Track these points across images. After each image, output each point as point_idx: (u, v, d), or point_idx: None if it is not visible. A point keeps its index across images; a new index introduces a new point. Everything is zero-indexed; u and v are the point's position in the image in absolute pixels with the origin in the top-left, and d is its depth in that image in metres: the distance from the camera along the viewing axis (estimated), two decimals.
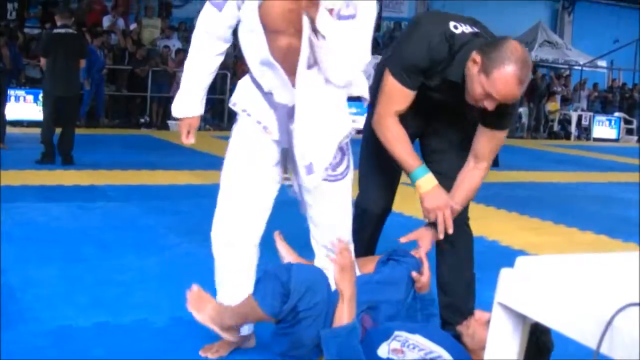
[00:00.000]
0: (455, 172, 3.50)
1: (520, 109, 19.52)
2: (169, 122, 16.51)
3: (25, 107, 14.27)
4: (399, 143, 3.36)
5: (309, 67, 2.99)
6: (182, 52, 18.36)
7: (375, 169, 3.68)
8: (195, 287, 3.28)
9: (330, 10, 2.88)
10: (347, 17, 2.91)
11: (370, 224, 3.74)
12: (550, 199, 9.27)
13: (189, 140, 3.33)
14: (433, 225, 3.42)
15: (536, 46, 23.65)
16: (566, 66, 25.06)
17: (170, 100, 17.52)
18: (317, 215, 3.32)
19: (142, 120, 16.77)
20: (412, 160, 3.36)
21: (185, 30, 20.60)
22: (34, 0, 18.77)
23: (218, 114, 18.38)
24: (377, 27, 24.98)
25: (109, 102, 17.20)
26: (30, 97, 14.34)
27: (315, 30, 2.89)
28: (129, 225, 6.00)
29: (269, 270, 3.02)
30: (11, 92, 13.62)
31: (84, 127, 13.85)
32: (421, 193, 3.36)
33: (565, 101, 23.36)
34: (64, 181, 7.92)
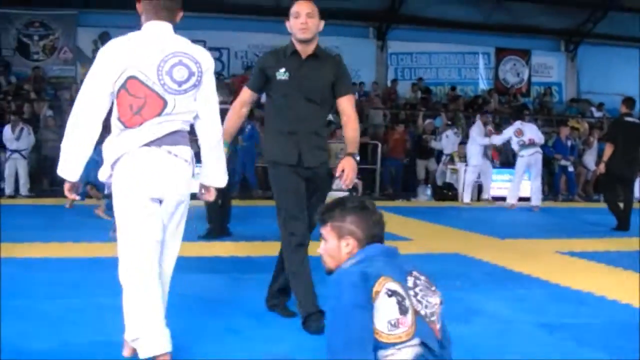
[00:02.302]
0: None
1: None
2: None
3: None
4: None
5: None
6: (332, 125, 18.57)
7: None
8: None
9: None
10: None
11: None
12: None
13: None
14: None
15: None
16: None
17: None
18: None
19: None
20: None
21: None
22: None
23: (370, 183, 18.37)
24: (527, 92, 24.73)
25: (261, 174, 17.47)
26: None
27: None
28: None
29: None
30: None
31: (238, 198, 14.11)
32: None
33: None
34: (221, 253, 8.04)
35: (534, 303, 6.12)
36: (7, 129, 15.51)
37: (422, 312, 3.01)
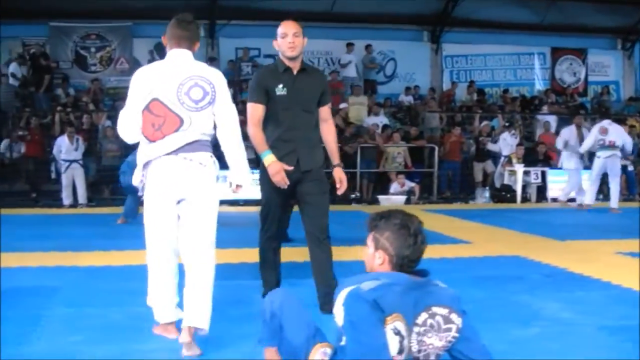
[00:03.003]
0: None
1: None
2: (379, 197, 16.62)
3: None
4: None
5: None
6: (389, 128, 18.58)
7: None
8: None
9: None
10: None
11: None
12: None
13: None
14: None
15: None
16: None
17: (379, 175, 17.84)
18: None
19: (353, 196, 16.96)
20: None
21: (390, 106, 20.87)
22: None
23: (427, 187, 18.31)
24: (584, 92, 24.45)
25: None
26: None
27: None
28: None
29: None
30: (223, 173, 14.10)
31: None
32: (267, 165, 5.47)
33: None
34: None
35: (594, 305, 6.03)
36: (65, 140, 15.75)
37: (415, 353, 3.24)
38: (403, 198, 16.49)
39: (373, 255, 3.39)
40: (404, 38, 23.29)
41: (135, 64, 21.36)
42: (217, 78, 4.80)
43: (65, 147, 15.69)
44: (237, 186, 5.04)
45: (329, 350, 3.51)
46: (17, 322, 5.25)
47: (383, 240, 3.36)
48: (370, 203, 16.66)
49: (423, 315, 3.23)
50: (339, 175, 5.87)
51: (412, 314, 3.20)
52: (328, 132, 5.98)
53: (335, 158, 5.98)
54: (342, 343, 3.32)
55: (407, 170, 17.86)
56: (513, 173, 17.50)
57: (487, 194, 17.65)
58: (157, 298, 4.93)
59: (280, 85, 5.66)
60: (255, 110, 5.67)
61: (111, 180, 17.01)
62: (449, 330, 3.27)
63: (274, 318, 3.68)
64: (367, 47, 22.17)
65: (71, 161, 15.67)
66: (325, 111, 5.94)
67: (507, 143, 18.09)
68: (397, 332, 3.15)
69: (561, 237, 10.10)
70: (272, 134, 5.71)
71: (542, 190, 17.68)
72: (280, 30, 5.75)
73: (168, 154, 4.64)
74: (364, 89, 21.00)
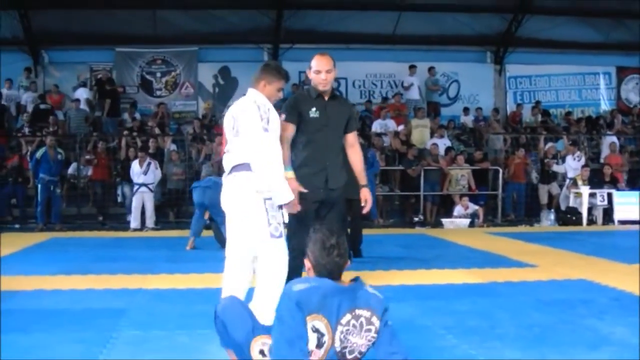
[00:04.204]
0: None
1: None
2: (443, 220, 16.53)
3: None
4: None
5: None
6: (452, 151, 18.48)
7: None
8: None
9: None
10: None
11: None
12: None
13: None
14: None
15: None
16: None
17: (443, 198, 17.74)
18: None
19: (416, 219, 16.89)
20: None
21: (454, 128, 20.79)
22: None
23: (492, 209, 18.15)
24: None
25: (383, 202, 17.52)
26: None
27: None
28: (405, 326, 5.95)
29: None
30: None
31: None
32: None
33: None
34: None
35: None
36: (135, 164, 16.01)
37: (338, 348, 3.74)
38: (467, 221, 16.35)
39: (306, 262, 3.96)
40: (467, 60, 23.20)
41: (200, 89, 21.73)
42: (236, 110, 5.49)
43: (136, 171, 15.94)
44: (282, 206, 5.41)
45: (268, 341, 3.89)
46: (85, 342, 5.32)
47: (309, 252, 3.94)
48: (433, 226, 16.57)
49: (347, 317, 3.74)
50: (366, 196, 6.31)
51: (335, 315, 3.71)
52: (355, 156, 6.46)
53: (362, 179, 6.43)
54: None
55: (471, 192, 17.73)
56: (579, 195, 17.26)
57: (552, 216, 17.41)
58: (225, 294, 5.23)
59: (314, 109, 6.14)
60: (288, 128, 6.05)
61: (176, 204, 17.24)
62: (370, 330, 3.77)
63: (217, 319, 4.12)
64: (430, 69, 22.15)
65: (140, 184, 15.90)
66: (352, 136, 6.45)
67: (572, 165, 17.91)
68: (316, 330, 3.67)
69: (629, 261, 9.90)
70: (304, 152, 6.17)
71: (608, 212, 17.38)
72: (315, 66, 6.14)
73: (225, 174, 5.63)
74: (427, 111, 20.94)
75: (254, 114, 5.32)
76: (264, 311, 4.89)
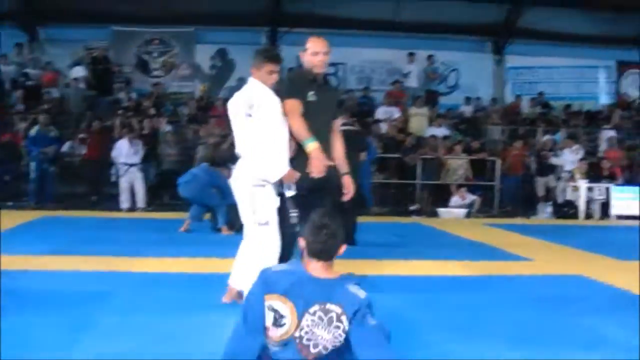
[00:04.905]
0: None
1: None
2: (439, 209, 16.40)
3: None
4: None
5: None
6: (449, 139, 18.36)
7: None
8: None
9: None
10: None
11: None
12: None
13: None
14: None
15: None
16: None
17: (439, 187, 17.61)
18: None
19: (412, 208, 16.76)
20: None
21: (452, 117, 20.67)
22: None
23: (488, 200, 18.03)
24: None
25: (379, 190, 17.37)
26: None
27: None
28: (391, 319, 5.77)
29: None
30: None
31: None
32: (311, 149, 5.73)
33: None
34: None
35: None
36: (125, 144, 15.84)
37: (297, 335, 3.70)
38: (463, 211, 16.22)
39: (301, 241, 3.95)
40: (466, 49, 23.06)
41: (197, 70, 21.56)
42: (233, 104, 5.84)
43: (125, 151, 15.77)
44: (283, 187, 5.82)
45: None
46: (64, 327, 5.16)
47: (304, 231, 3.95)
48: (429, 215, 16.42)
49: (315, 307, 3.71)
50: (348, 182, 6.24)
51: (303, 303, 3.71)
52: (338, 143, 6.35)
53: (344, 167, 6.32)
54: None
55: (468, 182, 17.59)
56: (576, 189, 17.15)
57: (549, 209, 17.30)
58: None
59: (312, 92, 6.04)
60: (296, 105, 5.96)
61: (171, 185, 17.04)
62: (338, 328, 3.71)
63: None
64: (429, 57, 22.03)
65: (130, 165, 15.74)
66: (337, 123, 6.48)
67: (570, 158, 17.83)
68: (272, 309, 3.71)
69: (626, 257, 9.76)
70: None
71: (605, 207, 17.27)
72: (312, 47, 6.09)
73: None
74: (426, 100, 20.77)
75: (239, 101, 5.69)
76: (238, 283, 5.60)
